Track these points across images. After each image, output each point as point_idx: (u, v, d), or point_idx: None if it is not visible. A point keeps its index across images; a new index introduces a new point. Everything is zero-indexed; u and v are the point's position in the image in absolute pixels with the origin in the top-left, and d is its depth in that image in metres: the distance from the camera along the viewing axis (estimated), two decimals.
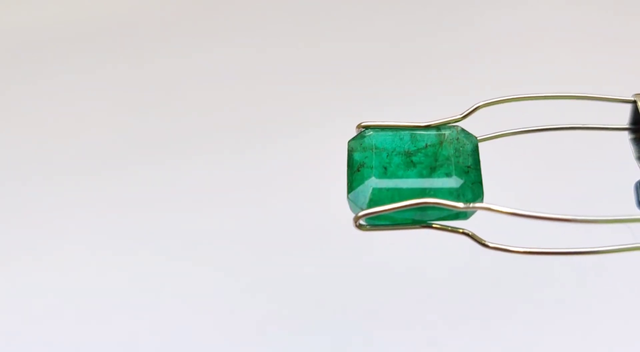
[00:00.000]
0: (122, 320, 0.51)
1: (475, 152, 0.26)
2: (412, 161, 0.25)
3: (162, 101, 0.63)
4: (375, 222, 0.26)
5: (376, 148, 0.26)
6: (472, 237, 0.26)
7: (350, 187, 0.26)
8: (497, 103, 0.25)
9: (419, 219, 0.26)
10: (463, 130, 0.26)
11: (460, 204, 0.24)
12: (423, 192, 0.25)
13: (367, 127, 0.26)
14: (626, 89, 0.61)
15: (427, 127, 0.26)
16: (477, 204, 0.25)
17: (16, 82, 0.65)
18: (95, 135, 0.62)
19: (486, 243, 0.26)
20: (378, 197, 0.26)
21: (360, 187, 0.26)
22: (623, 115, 0.26)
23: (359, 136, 0.26)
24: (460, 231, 0.26)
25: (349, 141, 0.26)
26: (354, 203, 0.26)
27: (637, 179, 0.27)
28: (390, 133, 0.26)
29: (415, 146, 0.26)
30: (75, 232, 0.56)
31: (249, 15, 0.70)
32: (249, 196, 0.57)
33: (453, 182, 0.25)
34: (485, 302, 0.51)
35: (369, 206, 0.26)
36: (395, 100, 0.62)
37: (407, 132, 0.26)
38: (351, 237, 0.54)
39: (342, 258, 0.53)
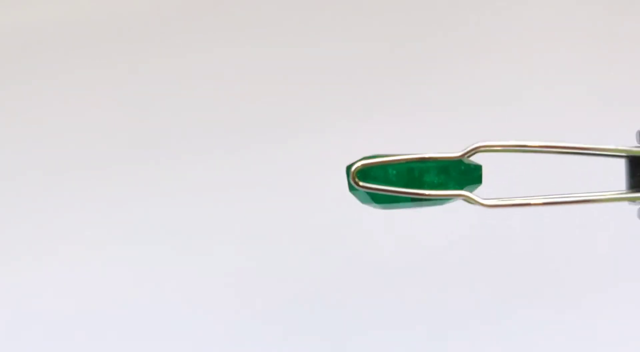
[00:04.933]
0: (122, 317, 0.51)
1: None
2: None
3: (162, 101, 0.63)
4: (372, 183, 0.26)
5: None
6: (468, 199, 0.26)
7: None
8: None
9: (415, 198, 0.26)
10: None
11: (456, 153, 0.25)
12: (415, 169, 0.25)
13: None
14: (626, 89, 0.61)
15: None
16: (472, 160, 0.25)
17: (16, 82, 0.65)
18: (95, 134, 0.62)
19: (482, 202, 0.26)
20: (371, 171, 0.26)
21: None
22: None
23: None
24: (456, 194, 0.26)
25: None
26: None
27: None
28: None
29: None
30: (75, 231, 0.56)
31: (249, 16, 0.69)
32: (249, 196, 0.57)
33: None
34: (485, 302, 0.51)
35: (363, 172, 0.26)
36: (396, 100, 0.62)
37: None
38: (351, 237, 0.54)
39: (342, 258, 0.53)
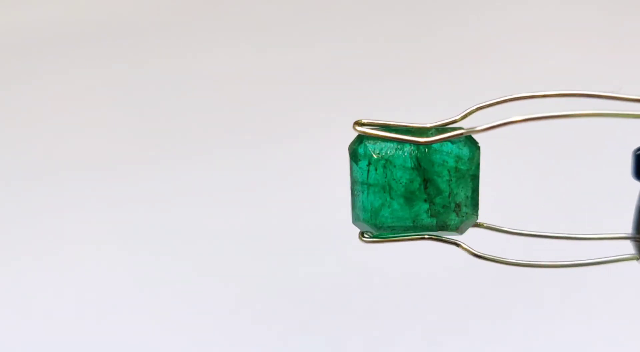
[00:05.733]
0: (122, 317, 0.51)
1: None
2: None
3: (162, 101, 0.64)
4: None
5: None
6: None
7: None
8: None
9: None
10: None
11: (454, 117, 0.25)
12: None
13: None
14: (626, 89, 0.61)
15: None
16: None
17: (16, 82, 0.65)
18: (95, 134, 0.62)
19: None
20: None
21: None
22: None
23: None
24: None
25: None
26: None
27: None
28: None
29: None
30: (75, 231, 0.56)
31: (249, 16, 0.70)
32: (249, 197, 0.57)
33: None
34: (485, 303, 0.51)
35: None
36: (396, 100, 0.62)
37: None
38: (350, 238, 0.54)
39: (342, 258, 0.53)
